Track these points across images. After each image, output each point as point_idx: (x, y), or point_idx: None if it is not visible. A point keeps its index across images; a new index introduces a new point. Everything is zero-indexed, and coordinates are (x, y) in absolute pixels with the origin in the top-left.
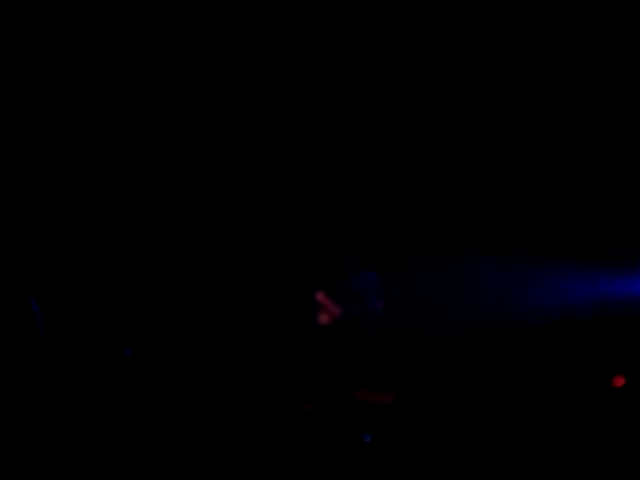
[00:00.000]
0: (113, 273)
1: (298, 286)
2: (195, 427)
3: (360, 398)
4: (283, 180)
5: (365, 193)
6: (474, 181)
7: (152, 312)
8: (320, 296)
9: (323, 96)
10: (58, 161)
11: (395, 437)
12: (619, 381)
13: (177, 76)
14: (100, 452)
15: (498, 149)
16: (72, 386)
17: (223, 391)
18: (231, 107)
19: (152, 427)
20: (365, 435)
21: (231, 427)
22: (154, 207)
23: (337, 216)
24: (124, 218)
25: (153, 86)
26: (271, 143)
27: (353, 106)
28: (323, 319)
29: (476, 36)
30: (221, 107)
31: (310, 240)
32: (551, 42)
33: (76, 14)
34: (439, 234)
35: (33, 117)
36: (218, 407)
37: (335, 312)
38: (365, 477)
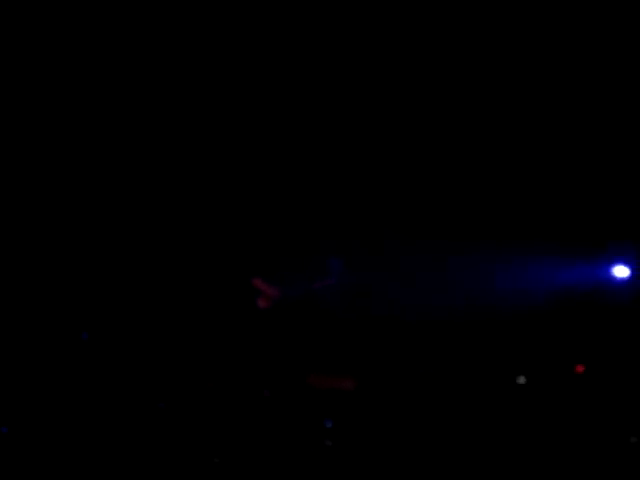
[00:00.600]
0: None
1: (236, 271)
2: (154, 415)
3: (319, 385)
4: (227, 160)
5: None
6: (440, 165)
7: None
8: (256, 281)
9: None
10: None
11: (357, 424)
12: (579, 368)
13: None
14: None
15: (466, 134)
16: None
17: (180, 381)
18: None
19: (109, 410)
20: (326, 421)
21: (191, 416)
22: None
23: (281, 200)
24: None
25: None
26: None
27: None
28: (262, 303)
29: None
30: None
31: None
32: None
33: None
34: (401, 217)
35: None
36: (177, 396)
37: (274, 294)
38: (326, 464)
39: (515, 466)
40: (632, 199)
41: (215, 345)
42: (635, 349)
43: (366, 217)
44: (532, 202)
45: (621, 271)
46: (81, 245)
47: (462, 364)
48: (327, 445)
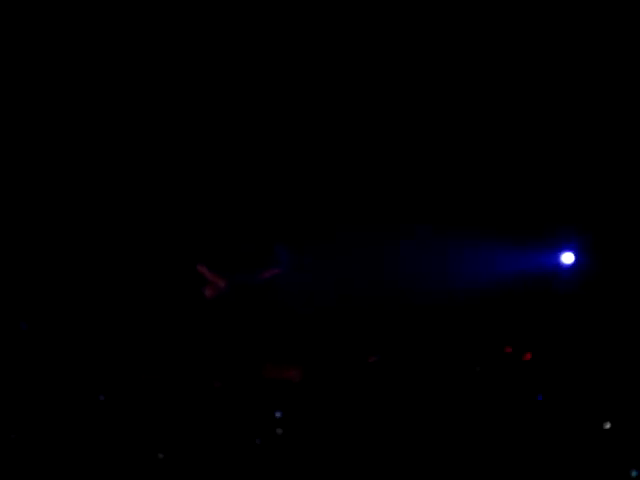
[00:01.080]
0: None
1: (182, 260)
2: (102, 408)
3: (268, 375)
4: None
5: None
6: (396, 151)
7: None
8: (202, 268)
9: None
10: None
11: (305, 415)
12: (527, 356)
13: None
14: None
15: (419, 123)
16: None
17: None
18: None
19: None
20: (276, 412)
21: (137, 409)
22: None
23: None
24: None
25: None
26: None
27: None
28: (209, 292)
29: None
30: None
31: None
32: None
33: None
34: (353, 205)
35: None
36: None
37: (221, 285)
38: (276, 455)
39: (476, 456)
40: (579, 187)
41: (161, 336)
42: (582, 336)
43: (313, 204)
44: (479, 190)
45: (568, 258)
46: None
47: (409, 352)
48: (277, 434)
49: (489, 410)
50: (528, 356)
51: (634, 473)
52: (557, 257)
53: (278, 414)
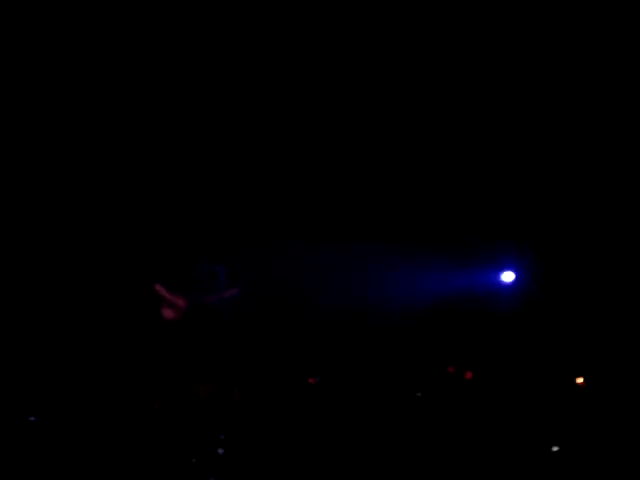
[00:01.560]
0: None
1: (139, 280)
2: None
3: (204, 396)
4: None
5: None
6: (324, 169)
7: None
8: (160, 289)
9: None
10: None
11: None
12: (468, 374)
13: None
14: None
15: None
16: None
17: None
18: None
19: None
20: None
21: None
22: None
23: (179, 208)
24: None
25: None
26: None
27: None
28: (168, 313)
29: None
30: None
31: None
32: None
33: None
34: (290, 222)
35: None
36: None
37: (180, 304)
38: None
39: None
40: (519, 206)
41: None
42: (522, 351)
43: (246, 222)
44: (421, 208)
45: (508, 276)
46: None
47: (350, 366)
48: (219, 454)
49: (429, 428)
50: (469, 375)
51: None
52: (497, 275)
53: (221, 436)
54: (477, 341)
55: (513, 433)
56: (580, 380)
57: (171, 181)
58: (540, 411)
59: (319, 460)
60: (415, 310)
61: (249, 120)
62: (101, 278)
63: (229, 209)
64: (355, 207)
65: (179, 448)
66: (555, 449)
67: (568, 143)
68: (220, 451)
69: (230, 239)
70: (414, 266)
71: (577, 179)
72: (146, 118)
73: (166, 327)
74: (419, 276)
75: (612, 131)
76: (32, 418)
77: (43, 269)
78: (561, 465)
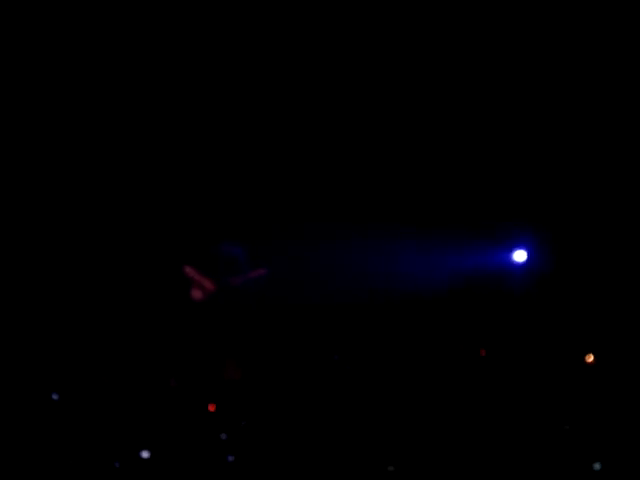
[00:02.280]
0: None
1: (166, 262)
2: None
3: (229, 376)
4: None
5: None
6: (335, 154)
7: None
8: (190, 271)
9: None
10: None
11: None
12: (481, 352)
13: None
14: None
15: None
16: None
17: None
18: None
19: None
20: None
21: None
22: None
23: (201, 190)
24: None
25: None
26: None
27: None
28: (197, 294)
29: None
30: None
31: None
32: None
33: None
34: (308, 205)
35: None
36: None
37: (208, 286)
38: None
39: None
40: (531, 186)
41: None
42: (535, 333)
43: (265, 205)
44: (431, 188)
45: (520, 256)
46: None
47: (363, 351)
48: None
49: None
50: (482, 352)
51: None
52: (509, 255)
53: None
54: (490, 321)
55: (524, 415)
56: (590, 359)
57: (192, 166)
58: (551, 393)
59: (337, 443)
60: (427, 291)
61: (263, 108)
62: (127, 261)
63: (248, 192)
64: (368, 190)
65: (199, 427)
66: (566, 431)
67: (580, 130)
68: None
69: (249, 221)
70: (426, 247)
71: (592, 160)
72: (169, 106)
73: (194, 308)
74: (431, 257)
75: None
76: (55, 396)
77: (68, 246)
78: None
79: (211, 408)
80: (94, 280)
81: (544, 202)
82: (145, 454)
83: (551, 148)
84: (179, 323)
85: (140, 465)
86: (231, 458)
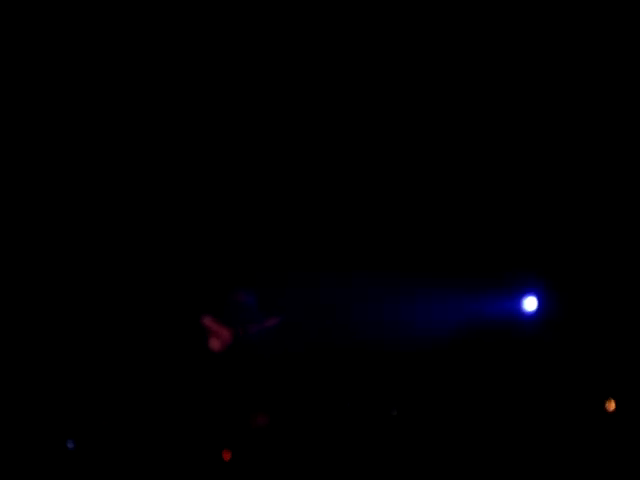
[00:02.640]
0: None
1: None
2: None
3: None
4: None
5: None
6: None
7: None
8: (207, 321)
9: None
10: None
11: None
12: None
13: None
14: None
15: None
16: None
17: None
18: None
19: None
20: None
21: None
22: None
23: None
24: None
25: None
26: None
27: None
28: (215, 345)
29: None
30: None
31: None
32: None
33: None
34: (320, 251)
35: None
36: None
37: (226, 335)
38: None
39: None
40: (540, 230)
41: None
42: (545, 380)
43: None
44: (440, 232)
45: (530, 303)
46: None
47: (379, 396)
48: None
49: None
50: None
51: None
52: (520, 303)
53: None
54: (500, 367)
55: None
56: (612, 406)
57: (205, 211)
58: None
59: None
60: (436, 339)
61: (275, 148)
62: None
63: (260, 238)
64: (378, 238)
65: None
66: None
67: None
68: None
69: (259, 268)
70: (433, 294)
71: (602, 201)
72: (172, 144)
73: (213, 358)
74: (441, 304)
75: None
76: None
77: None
78: None
79: (226, 457)
80: (108, 326)
81: (555, 248)
82: None
83: (560, 190)
84: (198, 373)
85: None
86: None
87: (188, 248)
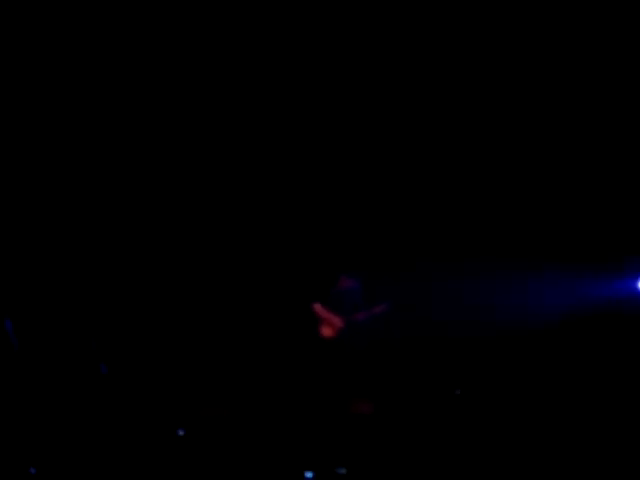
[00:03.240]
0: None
1: (293, 301)
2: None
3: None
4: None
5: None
6: (460, 186)
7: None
8: (319, 308)
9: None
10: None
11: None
12: None
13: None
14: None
15: (479, 153)
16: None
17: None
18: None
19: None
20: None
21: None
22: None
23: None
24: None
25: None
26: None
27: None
28: (327, 332)
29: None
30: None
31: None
32: (551, 42)
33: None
34: (429, 239)
35: (33, 117)
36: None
37: (337, 323)
38: None
39: None
40: None
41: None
42: None
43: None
44: (555, 217)
45: None
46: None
47: (484, 384)
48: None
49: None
50: None
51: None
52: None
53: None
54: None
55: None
56: None
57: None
58: None
59: None
60: (554, 321)
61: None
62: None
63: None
64: (479, 220)
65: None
66: None
67: None
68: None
69: (366, 256)
70: (552, 277)
71: None
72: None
73: (325, 345)
74: (557, 286)
75: None
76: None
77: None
78: None
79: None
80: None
81: None
82: None
83: None
84: (311, 360)
85: None
86: None
87: (297, 236)
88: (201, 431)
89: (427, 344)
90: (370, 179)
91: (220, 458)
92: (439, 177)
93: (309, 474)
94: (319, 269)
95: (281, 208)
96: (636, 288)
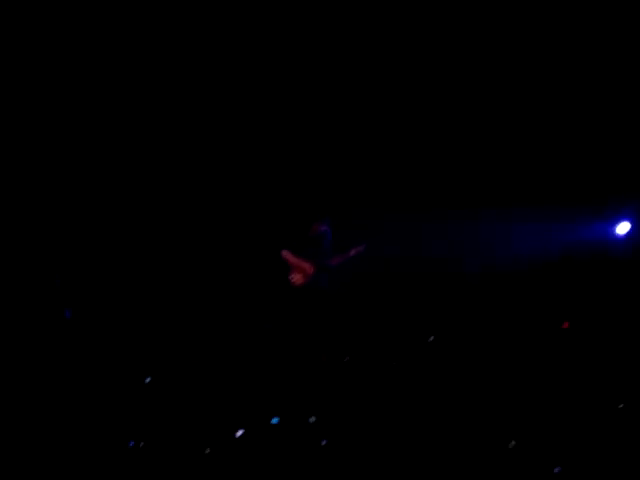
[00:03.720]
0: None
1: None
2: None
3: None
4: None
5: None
6: (434, 128)
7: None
8: (287, 255)
9: None
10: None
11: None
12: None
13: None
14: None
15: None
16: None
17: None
18: None
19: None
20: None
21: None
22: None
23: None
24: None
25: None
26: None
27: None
28: (297, 278)
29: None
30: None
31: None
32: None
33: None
34: (419, 186)
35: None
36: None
37: (308, 269)
38: None
39: None
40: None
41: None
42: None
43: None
44: (530, 162)
45: (623, 227)
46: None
47: (464, 328)
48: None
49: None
50: (565, 325)
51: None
52: (613, 227)
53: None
54: (591, 293)
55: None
56: None
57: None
58: None
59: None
60: (530, 264)
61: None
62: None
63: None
64: (455, 165)
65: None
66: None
67: None
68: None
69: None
70: (528, 222)
71: None
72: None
73: (296, 291)
74: (533, 231)
75: None
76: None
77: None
78: None
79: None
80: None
81: None
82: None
83: None
84: (282, 307)
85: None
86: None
87: (266, 182)
88: (169, 378)
89: (399, 287)
90: (340, 123)
91: (188, 406)
92: (412, 120)
93: (275, 420)
94: (287, 216)
95: (249, 154)
96: (613, 232)
